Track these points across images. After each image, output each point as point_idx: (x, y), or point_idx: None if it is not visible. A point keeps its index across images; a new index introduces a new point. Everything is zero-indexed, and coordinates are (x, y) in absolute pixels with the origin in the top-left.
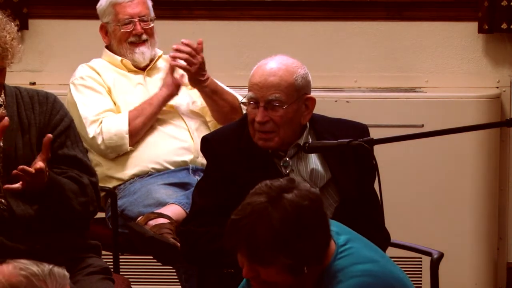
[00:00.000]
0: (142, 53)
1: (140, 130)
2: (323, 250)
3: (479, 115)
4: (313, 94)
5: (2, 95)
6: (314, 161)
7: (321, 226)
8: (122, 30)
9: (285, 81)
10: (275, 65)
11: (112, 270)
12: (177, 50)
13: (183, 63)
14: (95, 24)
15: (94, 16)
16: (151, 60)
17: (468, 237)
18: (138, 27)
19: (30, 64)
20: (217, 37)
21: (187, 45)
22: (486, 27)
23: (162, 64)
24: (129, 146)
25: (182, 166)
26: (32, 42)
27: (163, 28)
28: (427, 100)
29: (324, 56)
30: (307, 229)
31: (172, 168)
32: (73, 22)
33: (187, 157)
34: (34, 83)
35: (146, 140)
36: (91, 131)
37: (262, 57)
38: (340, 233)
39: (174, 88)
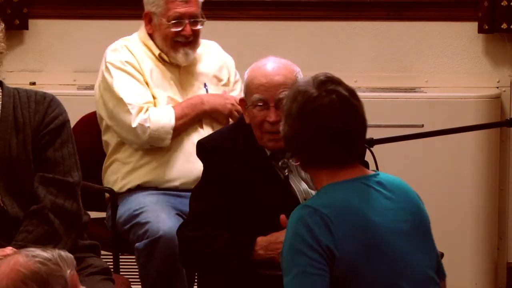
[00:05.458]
0: (186, 54)
1: (180, 131)
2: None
3: (479, 115)
4: None
5: (0, 95)
6: None
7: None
8: (170, 29)
9: (289, 78)
10: (275, 65)
11: (112, 270)
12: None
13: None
14: (95, 24)
15: (94, 16)
16: None
17: (468, 237)
18: (188, 29)
19: (30, 64)
20: (217, 37)
21: None
22: (486, 27)
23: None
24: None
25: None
26: (32, 42)
27: None
28: (427, 100)
29: (324, 56)
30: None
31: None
32: (73, 22)
33: None
34: (34, 83)
35: (164, 159)
36: (138, 119)
37: (262, 57)
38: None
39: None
